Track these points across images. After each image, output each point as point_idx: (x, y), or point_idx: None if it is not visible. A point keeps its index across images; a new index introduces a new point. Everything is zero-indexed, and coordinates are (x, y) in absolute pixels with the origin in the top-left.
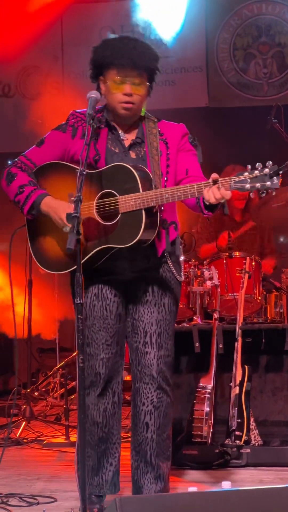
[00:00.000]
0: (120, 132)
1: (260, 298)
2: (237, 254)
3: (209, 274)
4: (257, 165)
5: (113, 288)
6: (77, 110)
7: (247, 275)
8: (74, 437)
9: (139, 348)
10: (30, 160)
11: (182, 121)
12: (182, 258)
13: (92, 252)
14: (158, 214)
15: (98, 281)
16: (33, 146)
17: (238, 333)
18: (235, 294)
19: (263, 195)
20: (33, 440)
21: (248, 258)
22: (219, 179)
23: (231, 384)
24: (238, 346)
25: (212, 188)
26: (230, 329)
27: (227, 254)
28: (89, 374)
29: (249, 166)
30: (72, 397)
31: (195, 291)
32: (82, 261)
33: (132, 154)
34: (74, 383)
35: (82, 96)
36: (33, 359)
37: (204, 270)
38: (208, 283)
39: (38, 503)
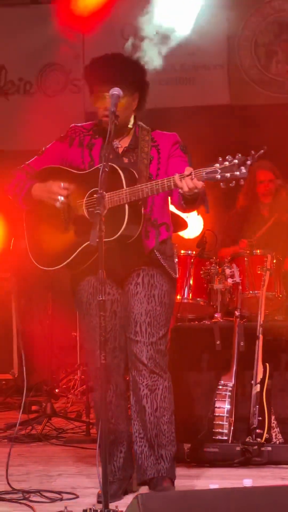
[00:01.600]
0: (115, 141)
1: (281, 295)
2: (258, 251)
3: (230, 272)
4: (227, 157)
5: (107, 286)
6: (77, 124)
7: (268, 272)
8: (95, 434)
9: (131, 338)
10: (32, 168)
11: (203, 118)
12: (176, 260)
13: (80, 248)
14: (141, 211)
15: (93, 280)
16: (35, 157)
17: (259, 330)
18: (256, 291)
19: (232, 184)
20: (54, 436)
21: (269, 255)
22: (192, 172)
23: (252, 382)
24: (259, 343)
25: (185, 178)
26: (251, 327)
27: (248, 251)
28: (91, 370)
29: (220, 158)
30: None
31: (216, 289)
32: (70, 258)
33: (125, 160)
34: None
35: None
36: (54, 356)
37: (225, 267)
38: (229, 280)
39: (61, 499)
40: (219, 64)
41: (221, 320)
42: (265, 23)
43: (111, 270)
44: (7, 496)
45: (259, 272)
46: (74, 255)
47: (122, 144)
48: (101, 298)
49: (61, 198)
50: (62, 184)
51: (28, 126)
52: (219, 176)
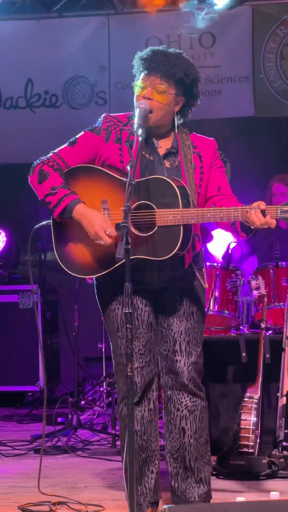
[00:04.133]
0: (154, 140)
1: None
2: (284, 263)
3: (256, 284)
4: None
5: (143, 297)
6: (110, 114)
7: None
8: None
9: (169, 356)
10: (62, 159)
11: (228, 131)
12: (204, 267)
13: (121, 262)
14: (192, 230)
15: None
16: (65, 145)
17: (285, 342)
18: (281, 303)
19: None
20: (80, 448)
21: None
22: (266, 208)
23: (278, 394)
24: (285, 356)
25: (257, 212)
26: (277, 339)
27: (273, 263)
28: (124, 384)
29: None
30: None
31: (242, 301)
32: (111, 269)
33: (166, 163)
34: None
35: (129, 106)
36: (80, 368)
37: (251, 279)
38: (255, 292)
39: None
40: (244, 76)
41: (247, 332)
42: None
43: (147, 281)
44: (34, 508)
45: (284, 284)
46: (114, 266)
47: (163, 145)
48: (127, 311)
49: (101, 243)
50: (109, 231)
51: (54, 139)
52: None
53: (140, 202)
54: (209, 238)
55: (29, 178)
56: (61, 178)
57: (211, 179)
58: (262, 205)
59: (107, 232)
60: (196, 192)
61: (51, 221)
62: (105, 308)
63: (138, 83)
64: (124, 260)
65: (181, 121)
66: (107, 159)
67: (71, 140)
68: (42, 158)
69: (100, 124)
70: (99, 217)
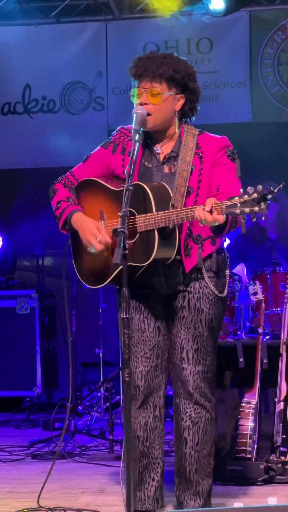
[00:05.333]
0: (156, 146)
1: None
2: (281, 269)
3: (253, 289)
4: (248, 188)
5: (151, 301)
6: (124, 126)
7: None
8: (118, 451)
9: (177, 364)
10: (73, 176)
11: (226, 136)
12: (227, 271)
13: (116, 272)
14: (175, 232)
15: (136, 294)
16: (80, 163)
17: (283, 348)
18: (279, 309)
19: (254, 219)
20: (78, 454)
21: None
22: (213, 205)
23: (276, 399)
24: (283, 361)
25: (204, 212)
26: (275, 344)
27: (271, 269)
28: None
29: (241, 190)
30: (116, 411)
31: (240, 306)
32: (112, 277)
33: (166, 169)
34: (118, 397)
35: (127, 111)
36: (77, 373)
37: (249, 285)
38: (252, 297)
39: None
40: (242, 81)
41: (245, 338)
42: (287, 40)
43: (156, 287)
44: None
45: (281, 289)
46: (114, 274)
47: (164, 150)
48: (124, 316)
49: (93, 250)
50: (99, 237)
51: (52, 144)
52: (238, 211)
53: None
54: None
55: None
56: (69, 193)
57: (213, 178)
58: (208, 203)
59: (98, 239)
60: (193, 195)
61: (70, 240)
62: (118, 312)
63: (133, 92)
64: (113, 266)
65: (193, 119)
66: (114, 171)
67: (85, 156)
68: (59, 177)
69: (110, 137)
70: (91, 224)
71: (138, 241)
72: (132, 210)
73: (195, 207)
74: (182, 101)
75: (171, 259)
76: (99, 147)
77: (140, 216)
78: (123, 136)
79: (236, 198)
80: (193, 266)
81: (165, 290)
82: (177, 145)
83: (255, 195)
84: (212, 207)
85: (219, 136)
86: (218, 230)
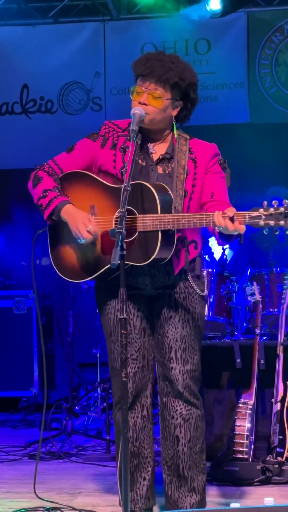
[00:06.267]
0: (149, 145)
1: None
2: (278, 270)
3: (251, 290)
4: (273, 202)
5: (136, 303)
6: (111, 120)
7: None
8: (115, 452)
9: (165, 364)
10: (57, 165)
11: (224, 137)
12: (204, 272)
13: (107, 267)
14: (175, 235)
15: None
16: (63, 152)
17: (280, 349)
18: (276, 309)
19: (277, 233)
20: (74, 454)
21: None
22: (235, 214)
23: (273, 400)
24: (280, 362)
25: (226, 220)
26: (272, 345)
27: (268, 270)
28: (117, 389)
29: (265, 202)
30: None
31: (237, 307)
32: (96, 274)
33: (159, 169)
34: None
35: (125, 112)
36: (74, 373)
37: (246, 285)
38: (250, 298)
39: None
40: (239, 82)
41: (242, 338)
42: (285, 42)
43: (141, 287)
44: None
45: (279, 290)
46: (100, 272)
47: (158, 150)
48: (122, 316)
49: (82, 241)
50: (89, 227)
51: (50, 145)
52: (262, 223)
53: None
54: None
55: (27, 184)
56: (55, 183)
57: (206, 184)
58: (230, 211)
59: (88, 229)
60: (187, 198)
61: (47, 228)
62: (101, 312)
63: (133, 88)
64: (111, 266)
65: (186, 122)
66: (102, 165)
67: (69, 146)
68: (39, 165)
69: (98, 130)
70: (83, 214)
71: (136, 241)
72: (131, 208)
73: (211, 214)
74: (179, 108)
75: (166, 260)
76: (85, 139)
77: (141, 215)
78: (113, 131)
79: (261, 210)
80: (181, 267)
81: (149, 290)
82: (171, 147)
83: (282, 209)
84: (233, 216)
85: (209, 143)
86: (225, 238)
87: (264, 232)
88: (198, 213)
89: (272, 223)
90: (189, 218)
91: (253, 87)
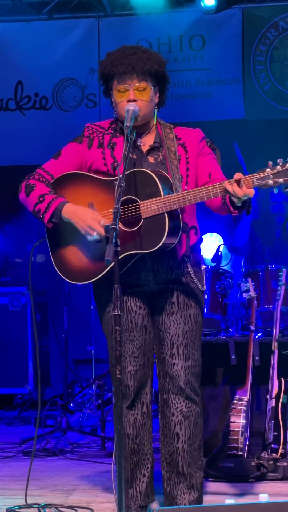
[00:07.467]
0: (137, 139)
1: None
2: (273, 266)
3: (245, 286)
4: (278, 160)
5: (138, 300)
6: (92, 123)
7: (283, 287)
8: (110, 448)
9: (166, 360)
10: (47, 172)
11: (219, 133)
12: (203, 266)
13: (108, 268)
14: (181, 218)
15: (123, 294)
16: (50, 159)
17: (275, 345)
18: (271, 306)
19: (286, 190)
20: (69, 451)
21: (284, 270)
22: (242, 178)
23: (268, 396)
24: (275, 358)
25: (234, 186)
26: (267, 341)
27: (263, 266)
28: (114, 386)
29: (271, 162)
30: (108, 408)
31: (232, 303)
32: (102, 274)
33: (151, 159)
34: (110, 394)
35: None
36: (69, 370)
37: (241, 282)
38: (245, 295)
39: None
40: (234, 79)
41: (236, 335)
42: (280, 38)
43: (143, 283)
44: (23, 511)
45: (273, 286)
46: (106, 271)
47: (145, 141)
48: (116, 313)
49: (96, 237)
50: (103, 221)
51: (44, 141)
52: (271, 182)
53: (124, 197)
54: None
55: (19, 196)
56: (48, 188)
57: (200, 167)
58: (237, 175)
59: (102, 223)
60: (183, 182)
61: (46, 237)
62: (101, 310)
63: (118, 88)
64: (113, 263)
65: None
66: (92, 165)
67: (55, 153)
68: (28, 175)
69: (82, 133)
70: (89, 210)
71: (143, 228)
72: (133, 197)
73: (217, 184)
74: (158, 92)
75: (174, 245)
76: (70, 143)
77: (145, 201)
78: (96, 132)
79: (268, 170)
80: (183, 253)
81: (151, 286)
82: (158, 136)
83: None
84: (241, 180)
85: (193, 129)
86: (239, 208)
87: (274, 191)
88: (203, 187)
89: (281, 180)
90: (194, 193)
91: (248, 83)
